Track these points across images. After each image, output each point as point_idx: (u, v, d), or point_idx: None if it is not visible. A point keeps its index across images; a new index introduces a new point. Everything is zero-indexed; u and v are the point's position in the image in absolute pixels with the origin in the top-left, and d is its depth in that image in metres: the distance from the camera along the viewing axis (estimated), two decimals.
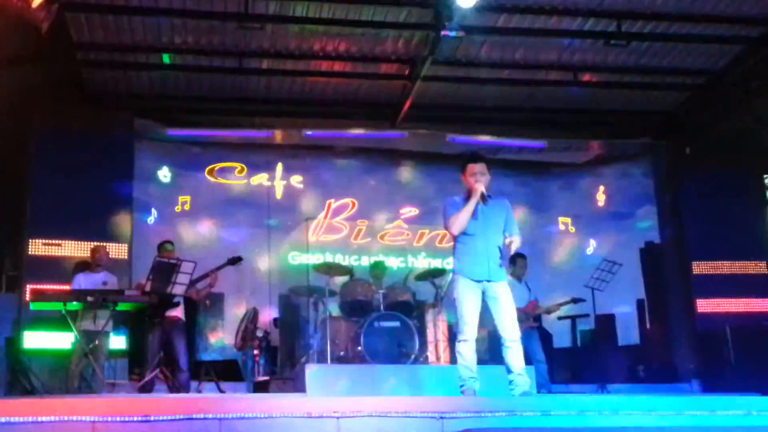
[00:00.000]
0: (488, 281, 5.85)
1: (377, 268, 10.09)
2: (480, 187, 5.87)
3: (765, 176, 12.82)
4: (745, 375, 9.75)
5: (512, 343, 5.81)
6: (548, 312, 10.32)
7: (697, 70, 11.24)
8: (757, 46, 10.44)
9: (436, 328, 9.17)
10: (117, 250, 10.20)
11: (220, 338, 11.54)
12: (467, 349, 5.81)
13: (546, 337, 10.78)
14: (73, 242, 9.93)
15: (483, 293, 5.89)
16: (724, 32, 10.34)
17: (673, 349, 11.71)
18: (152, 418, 4.08)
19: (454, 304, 5.96)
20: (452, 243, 6.15)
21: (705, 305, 11.49)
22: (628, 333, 12.21)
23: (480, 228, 5.92)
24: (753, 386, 8.37)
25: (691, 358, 11.39)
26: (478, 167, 5.98)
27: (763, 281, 11.62)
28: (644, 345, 12.07)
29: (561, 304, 10.35)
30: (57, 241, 9.98)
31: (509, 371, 5.84)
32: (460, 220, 5.87)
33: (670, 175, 12.22)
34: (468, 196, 5.95)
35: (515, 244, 5.86)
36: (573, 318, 11.61)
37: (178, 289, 8.41)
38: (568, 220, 13.27)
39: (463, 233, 5.94)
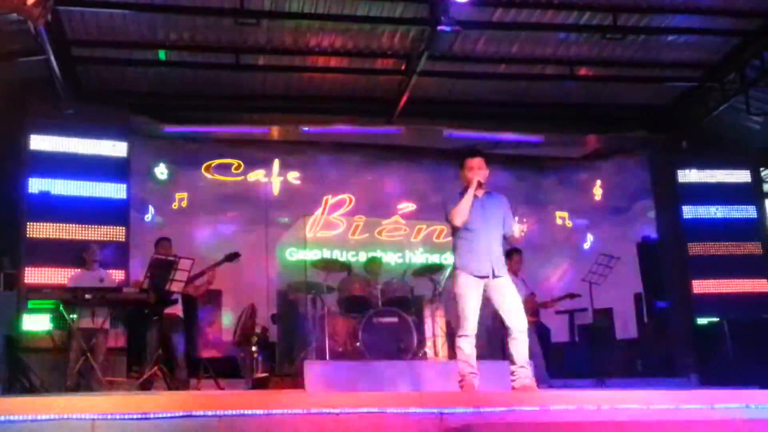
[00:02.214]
0: (491, 277, 5.88)
1: (373, 264, 10.09)
2: (475, 178, 5.94)
3: (762, 169, 12.85)
4: (744, 369, 9.77)
5: (520, 333, 5.84)
6: (545, 306, 10.33)
7: (693, 63, 11.23)
8: (754, 38, 10.43)
9: (434, 324, 9.19)
10: (114, 247, 10.15)
11: (219, 335, 11.54)
12: (467, 345, 5.83)
13: (544, 332, 10.80)
14: (69, 258, 9.79)
15: (484, 289, 5.91)
16: (721, 25, 10.35)
17: (671, 342, 11.72)
18: (151, 416, 4.08)
19: (454, 300, 5.98)
20: (451, 238, 6.18)
21: (700, 286, 11.59)
22: (626, 327, 12.23)
23: (481, 223, 5.97)
24: (751, 380, 8.38)
25: (689, 351, 11.41)
26: (476, 162, 6.05)
27: (757, 262, 11.74)
28: (642, 339, 12.10)
29: (557, 299, 10.35)
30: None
31: (512, 363, 5.85)
32: (461, 209, 5.91)
33: (667, 168, 12.21)
34: (466, 190, 5.99)
35: (517, 230, 5.98)
36: (571, 312, 11.63)
37: (176, 287, 8.44)
38: (565, 214, 13.32)
39: (465, 229, 5.98)
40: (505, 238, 6.15)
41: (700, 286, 11.60)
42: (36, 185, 10.10)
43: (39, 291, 8.88)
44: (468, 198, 5.92)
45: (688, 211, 11.96)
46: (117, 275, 9.85)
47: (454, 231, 6.10)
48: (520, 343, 5.83)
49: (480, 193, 6.03)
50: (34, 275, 9.78)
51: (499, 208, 6.10)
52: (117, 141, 10.61)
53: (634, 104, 12.30)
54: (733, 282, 11.59)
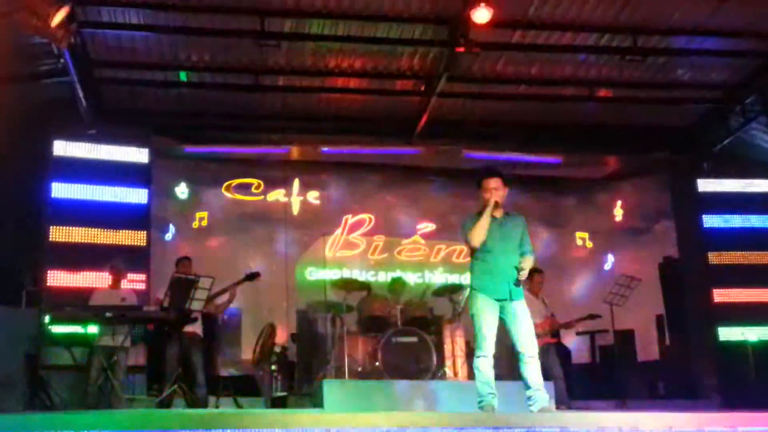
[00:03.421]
0: (509, 299, 5.83)
1: (397, 284, 10.08)
2: (492, 198, 5.87)
3: None
4: (767, 391, 9.65)
5: (530, 358, 5.76)
6: (566, 327, 10.26)
7: (713, 84, 11.21)
8: None
9: (453, 344, 9.13)
10: (135, 266, 10.20)
11: (238, 354, 11.54)
12: (485, 365, 5.75)
13: (565, 353, 10.69)
14: (91, 261, 9.95)
15: (501, 310, 5.86)
16: (741, 47, 10.32)
17: (693, 364, 11.61)
18: None
19: (472, 320, 5.93)
20: (469, 259, 6.12)
21: (721, 296, 11.50)
22: (648, 348, 12.13)
23: (498, 245, 5.89)
24: None
25: (711, 373, 11.30)
26: (493, 182, 5.95)
27: None
28: (664, 361, 11.98)
29: (578, 320, 10.29)
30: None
31: (527, 387, 5.80)
32: (478, 230, 5.84)
33: (688, 189, 12.15)
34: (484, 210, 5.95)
35: (527, 264, 5.85)
36: (592, 333, 11.54)
37: (196, 305, 8.42)
38: (586, 235, 13.26)
39: (482, 250, 5.91)
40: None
41: (722, 296, 11.51)
42: (59, 190, 10.28)
43: (61, 309, 8.91)
44: (485, 219, 5.83)
45: (709, 221, 11.89)
46: (138, 278, 10.04)
47: (472, 252, 6.02)
48: (532, 367, 5.76)
49: (498, 213, 5.95)
50: (55, 279, 9.95)
51: (517, 229, 6.01)
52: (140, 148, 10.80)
53: (654, 125, 12.24)
54: (755, 291, 11.48)
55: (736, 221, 11.89)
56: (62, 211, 10.26)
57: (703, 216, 11.90)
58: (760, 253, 11.68)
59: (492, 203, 5.86)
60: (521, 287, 5.94)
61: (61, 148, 10.44)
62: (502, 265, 5.86)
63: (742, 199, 11.98)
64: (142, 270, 10.32)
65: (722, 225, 11.87)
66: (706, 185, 12.03)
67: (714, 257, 11.73)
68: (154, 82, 10.79)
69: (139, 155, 10.80)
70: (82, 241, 10.20)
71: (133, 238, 10.45)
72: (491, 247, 5.89)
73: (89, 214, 10.31)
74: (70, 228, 10.21)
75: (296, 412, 7.57)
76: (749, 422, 4.74)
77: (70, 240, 10.18)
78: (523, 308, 5.87)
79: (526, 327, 5.82)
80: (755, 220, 11.92)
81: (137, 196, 10.67)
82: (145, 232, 10.60)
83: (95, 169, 10.49)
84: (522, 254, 5.91)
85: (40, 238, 10.14)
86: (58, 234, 10.16)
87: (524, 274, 5.83)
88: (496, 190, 5.92)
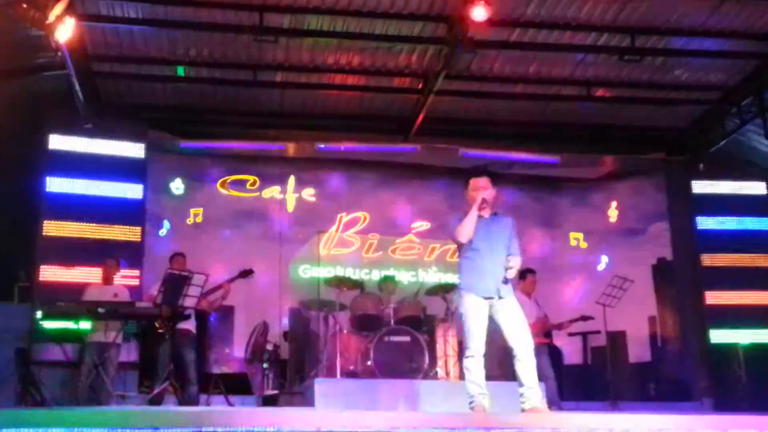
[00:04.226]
0: (496, 298, 5.80)
1: (387, 282, 10.06)
2: (479, 197, 5.86)
3: None
4: (758, 393, 9.66)
5: (525, 356, 5.73)
6: (558, 329, 10.25)
7: (710, 85, 11.19)
8: None
9: (446, 343, 9.13)
10: (128, 262, 10.13)
11: (230, 351, 11.52)
12: (475, 365, 5.72)
13: (556, 354, 10.71)
14: (84, 256, 9.91)
15: (490, 309, 5.83)
16: (738, 48, 10.30)
17: (684, 366, 11.61)
18: (161, 431, 4.06)
19: (461, 320, 5.92)
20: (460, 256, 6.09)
21: (713, 298, 11.50)
22: (640, 350, 12.13)
23: (485, 244, 5.86)
24: (765, 405, 8.27)
25: (702, 376, 11.31)
26: (481, 182, 5.96)
27: None
28: (655, 362, 11.99)
29: (570, 322, 10.28)
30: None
31: (520, 385, 5.76)
32: (465, 227, 5.82)
33: (684, 191, 12.14)
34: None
35: (514, 265, 5.83)
36: (584, 334, 11.54)
37: (189, 302, 8.38)
38: (580, 235, 13.24)
39: (469, 249, 5.90)
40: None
41: (714, 298, 11.51)
42: (53, 185, 10.24)
43: (53, 305, 8.86)
44: (471, 216, 5.82)
45: (703, 222, 11.90)
46: (131, 274, 10.02)
47: (460, 251, 6.03)
48: (526, 365, 5.72)
49: (486, 213, 5.94)
50: (48, 274, 9.90)
51: (505, 229, 5.98)
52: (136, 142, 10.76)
53: (651, 126, 12.26)
54: (748, 294, 11.48)
55: (731, 223, 11.89)
56: (56, 205, 10.21)
57: (697, 217, 11.90)
58: (753, 255, 11.68)
59: (479, 201, 5.83)
60: (510, 285, 5.90)
61: (57, 142, 10.39)
62: (489, 263, 5.83)
63: (737, 201, 11.98)
64: (136, 266, 10.26)
65: (716, 227, 11.87)
66: (701, 187, 12.03)
67: (707, 259, 11.73)
68: (151, 77, 10.74)
69: (134, 150, 10.75)
70: (76, 236, 10.15)
71: (128, 233, 10.40)
72: (478, 246, 5.86)
73: (83, 209, 10.26)
74: (64, 223, 10.16)
75: (287, 410, 7.53)
76: (741, 425, 4.73)
77: (63, 235, 10.12)
78: (514, 306, 5.83)
79: (518, 324, 5.78)
80: (749, 222, 11.94)
81: (132, 191, 10.62)
82: (139, 227, 10.56)
83: (90, 164, 10.43)
84: (510, 255, 5.88)
85: (34, 232, 10.09)
86: (52, 229, 10.11)
87: (512, 273, 5.82)
88: (483, 189, 5.92)
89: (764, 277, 11.58)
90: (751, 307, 11.37)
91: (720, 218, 11.87)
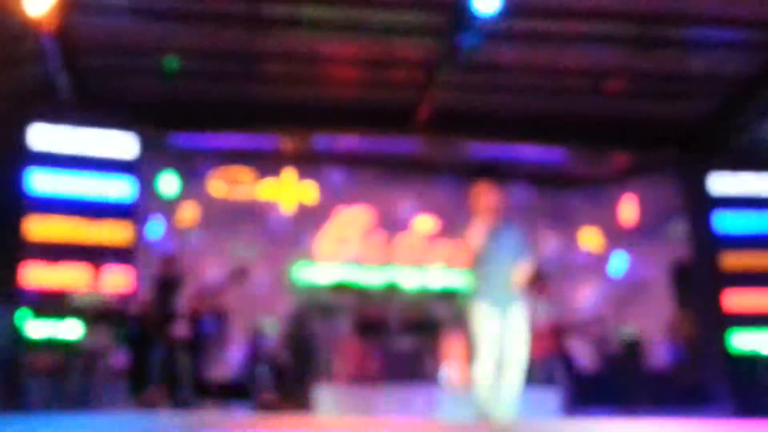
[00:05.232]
0: (505, 305, 5.86)
1: (391, 287, 9.90)
2: (481, 205, 5.96)
3: None
4: None
5: (510, 366, 5.81)
6: (571, 330, 10.03)
7: (726, 76, 10.83)
8: None
9: (452, 349, 8.91)
10: (119, 263, 9.88)
11: (227, 356, 11.27)
12: (484, 372, 5.80)
13: (569, 360, 10.45)
14: (71, 257, 9.66)
15: (499, 316, 5.89)
16: (758, 37, 9.96)
17: (703, 371, 11.30)
18: None
19: (471, 327, 5.97)
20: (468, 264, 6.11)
21: (734, 299, 11.18)
22: (657, 354, 11.80)
23: (494, 252, 5.96)
24: None
25: (722, 381, 11.02)
26: (484, 187, 6.04)
27: None
28: (674, 367, 11.65)
29: (583, 324, 10.05)
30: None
31: (496, 392, 5.77)
32: (471, 237, 5.92)
33: (700, 187, 11.80)
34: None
35: (524, 271, 5.96)
36: (597, 340, 11.24)
37: (182, 304, 8.28)
38: (592, 234, 13.09)
39: (479, 257, 5.96)
40: None
41: (735, 300, 11.19)
42: (39, 182, 9.95)
43: (39, 308, 8.67)
44: (476, 227, 5.91)
45: (721, 220, 11.58)
46: (122, 275, 9.73)
47: (470, 259, 6.06)
48: (508, 375, 5.80)
49: (495, 221, 5.97)
50: (34, 274, 9.58)
51: (515, 238, 6.06)
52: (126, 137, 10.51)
53: (664, 119, 11.90)
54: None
55: (751, 220, 11.55)
56: (41, 203, 9.91)
57: (716, 215, 11.57)
58: None
59: (481, 211, 5.92)
60: (519, 294, 5.99)
61: (41, 137, 10.11)
62: (498, 271, 5.95)
63: (757, 197, 11.62)
64: (127, 266, 9.95)
65: (735, 225, 11.52)
66: (719, 183, 11.68)
67: (728, 258, 11.37)
68: (141, 70, 10.47)
69: (125, 145, 10.50)
70: (63, 235, 9.85)
71: (118, 232, 10.10)
72: (488, 253, 5.95)
73: (71, 207, 9.98)
74: (50, 222, 9.85)
75: (285, 416, 7.35)
76: (761, 431, 4.69)
77: (49, 235, 9.82)
78: (519, 316, 5.93)
79: (519, 336, 5.89)
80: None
81: (122, 188, 10.34)
82: (130, 226, 10.28)
83: (78, 160, 10.18)
84: (519, 262, 5.98)
85: (18, 232, 9.77)
86: (38, 228, 9.79)
87: (521, 282, 5.95)
88: (485, 194, 6.01)
89: None
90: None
91: (740, 215, 11.53)
